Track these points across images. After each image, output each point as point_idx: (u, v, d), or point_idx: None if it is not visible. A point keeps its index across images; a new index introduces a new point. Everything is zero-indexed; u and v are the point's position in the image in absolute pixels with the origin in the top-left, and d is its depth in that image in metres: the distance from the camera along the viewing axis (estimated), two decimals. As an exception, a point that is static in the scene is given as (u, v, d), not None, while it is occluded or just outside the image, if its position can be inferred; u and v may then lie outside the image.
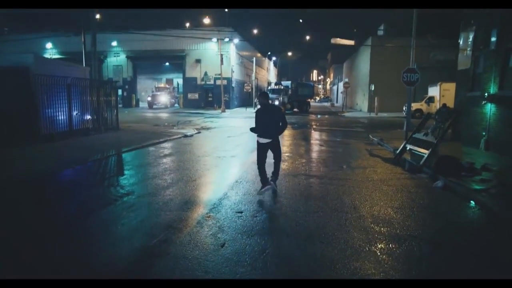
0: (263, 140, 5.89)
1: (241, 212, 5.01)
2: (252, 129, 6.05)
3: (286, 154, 10.22)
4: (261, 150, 5.99)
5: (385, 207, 5.44)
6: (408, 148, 9.69)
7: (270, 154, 6.01)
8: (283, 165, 8.64)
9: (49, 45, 35.22)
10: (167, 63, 42.19)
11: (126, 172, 7.99)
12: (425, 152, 8.64)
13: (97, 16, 30.14)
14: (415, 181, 7.34)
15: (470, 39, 12.31)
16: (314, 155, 10.71)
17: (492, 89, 10.42)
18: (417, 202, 5.82)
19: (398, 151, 10.02)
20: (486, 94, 10.63)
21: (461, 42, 13.02)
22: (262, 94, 6.24)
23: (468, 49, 12.31)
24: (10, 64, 11.14)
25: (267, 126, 5.89)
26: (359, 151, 11.35)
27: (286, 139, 14.11)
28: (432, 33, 20.23)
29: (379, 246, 4.00)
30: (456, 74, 13.65)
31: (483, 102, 10.79)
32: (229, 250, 3.81)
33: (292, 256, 3.72)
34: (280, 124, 5.95)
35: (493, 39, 10.38)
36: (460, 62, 12.96)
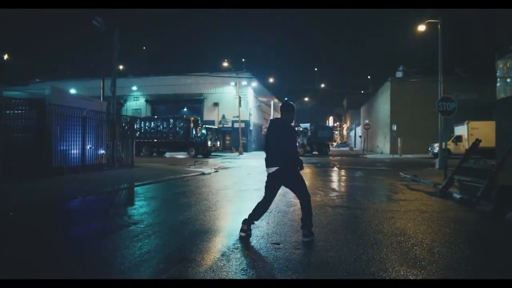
0: (268, 170, 4.22)
1: (279, 244, 3.88)
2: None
3: (316, 188, 9.10)
4: (269, 184, 4.27)
5: (463, 243, 4.21)
6: (456, 180, 8.44)
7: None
8: (315, 197, 7.51)
9: (72, 90, 36.29)
10: (185, 109, 42.64)
11: (136, 203, 7.00)
12: (480, 182, 7.39)
13: (121, 67, 31.33)
14: (479, 214, 6.10)
15: (509, 66, 11.43)
16: (348, 189, 9.53)
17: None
18: (498, 237, 4.57)
19: (444, 184, 8.74)
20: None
21: (498, 71, 12.14)
22: (285, 104, 4.39)
23: (510, 76, 11.38)
24: (29, 96, 10.90)
25: (271, 148, 4.22)
26: (395, 186, 10.09)
27: (310, 176, 13.01)
28: (459, 68, 19.52)
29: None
30: (495, 104, 12.59)
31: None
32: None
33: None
34: (289, 145, 4.16)
35: (541, 61, 9.46)
36: (500, 90, 11.97)
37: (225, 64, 31.60)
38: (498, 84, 12.18)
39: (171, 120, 26.50)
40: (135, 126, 26.28)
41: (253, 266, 3.23)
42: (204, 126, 27.35)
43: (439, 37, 16.56)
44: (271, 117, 40.23)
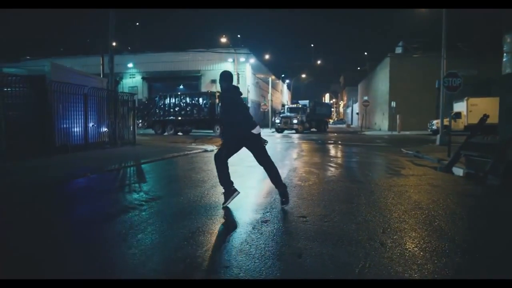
0: (255, 130, 4.54)
1: (305, 217, 3.92)
2: (247, 124, 4.49)
3: (324, 164, 9.17)
4: (238, 146, 4.67)
5: (480, 215, 4.29)
6: (463, 155, 8.50)
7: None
8: (326, 173, 7.56)
9: (66, 68, 35.56)
10: (181, 86, 42.06)
11: (148, 179, 6.99)
12: (487, 157, 7.46)
13: (114, 43, 30.63)
14: (487, 188, 6.24)
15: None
16: (355, 165, 9.59)
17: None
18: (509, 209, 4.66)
19: (450, 159, 8.82)
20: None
21: (505, 45, 12.01)
22: (225, 74, 4.60)
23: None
24: (28, 73, 10.63)
25: (248, 113, 4.77)
26: (400, 162, 10.16)
27: (314, 152, 13.05)
28: (463, 43, 19.28)
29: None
30: (500, 79, 12.52)
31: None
32: (310, 261, 2.71)
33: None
34: None
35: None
36: (506, 65, 11.89)
37: (223, 40, 30.95)
38: (504, 59, 12.06)
39: (195, 96, 24.94)
40: (160, 104, 25.33)
41: (287, 239, 3.25)
42: None
43: (443, 10, 16.22)
44: (269, 93, 39.96)
